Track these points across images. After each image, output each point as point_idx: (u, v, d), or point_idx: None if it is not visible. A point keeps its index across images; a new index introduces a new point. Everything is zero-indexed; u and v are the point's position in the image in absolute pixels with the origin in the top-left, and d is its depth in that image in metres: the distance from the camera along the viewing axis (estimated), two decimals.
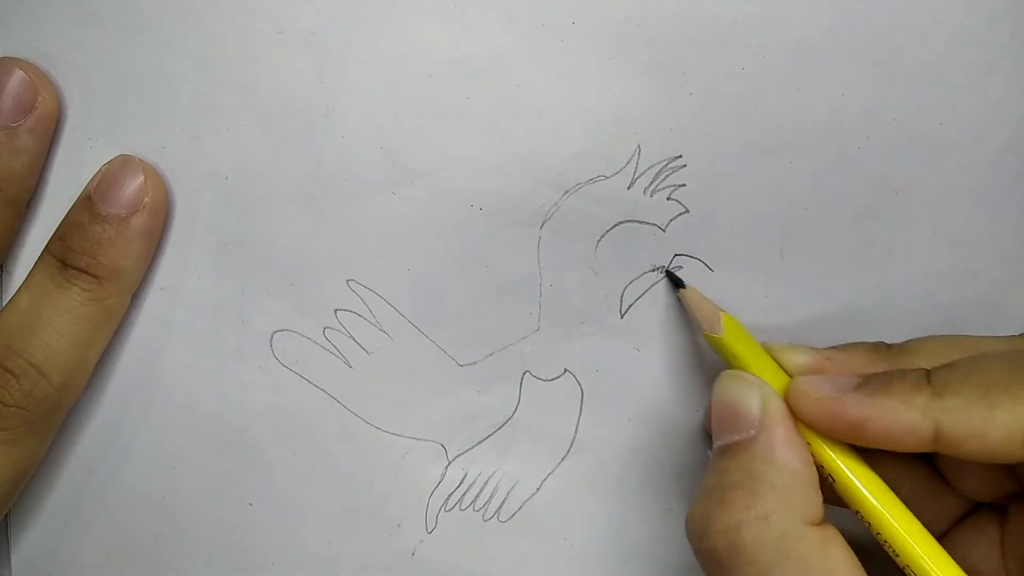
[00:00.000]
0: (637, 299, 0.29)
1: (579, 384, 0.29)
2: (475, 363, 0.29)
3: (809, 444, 0.24)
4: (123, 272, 0.26)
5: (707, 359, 0.29)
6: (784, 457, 0.23)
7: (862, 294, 0.29)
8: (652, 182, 0.28)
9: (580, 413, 0.29)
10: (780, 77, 0.27)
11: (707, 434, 0.29)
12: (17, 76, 0.26)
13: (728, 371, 0.25)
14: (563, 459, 0.30)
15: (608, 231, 0.28)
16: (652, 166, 0.28)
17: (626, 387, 0.29)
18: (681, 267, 0.28)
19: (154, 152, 0.27)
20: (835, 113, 0.27)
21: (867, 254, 0.29)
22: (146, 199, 0.26)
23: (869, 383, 0.23)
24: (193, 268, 0.28)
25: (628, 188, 0.28)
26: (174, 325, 0.28)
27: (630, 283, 0.28)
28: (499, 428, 0.29)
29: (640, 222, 0.28)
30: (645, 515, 0.30)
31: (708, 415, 0.28)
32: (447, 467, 0.30)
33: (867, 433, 0.23)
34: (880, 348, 0.26)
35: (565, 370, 0.29)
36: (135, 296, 0.28)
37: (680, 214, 0.28)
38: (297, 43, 0.26)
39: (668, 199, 0.28)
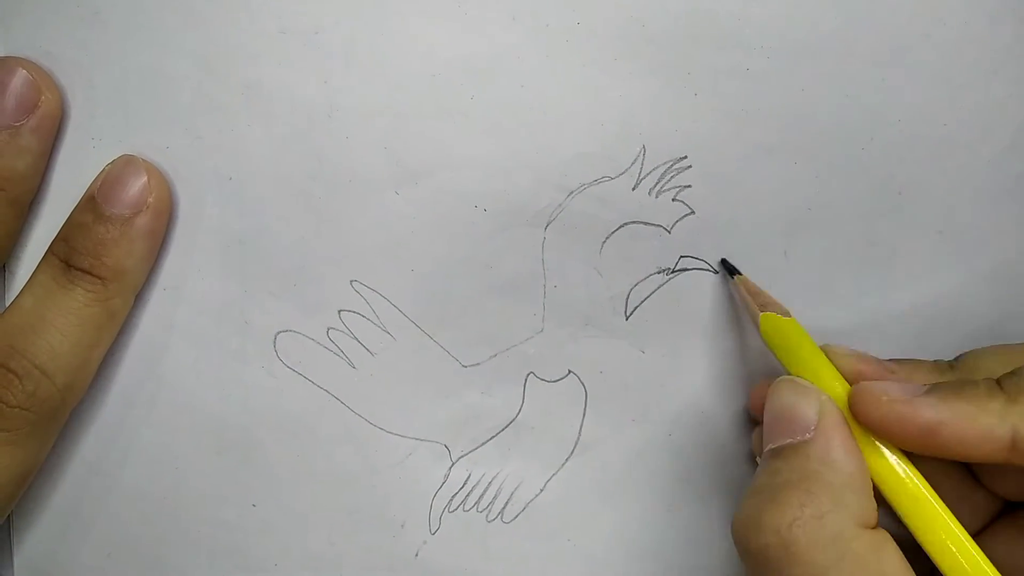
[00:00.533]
0: (643, 301, 0.28)
1: (583, 385, 0.29)
2: (479, 364, 0.29)
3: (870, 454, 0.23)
4: (127, 273, 0.26)
5: (713, 361, 0.29)
6: (841, 459, 0.22)
7: (865, 294, 0.29)
8: (657, 183, 0.28)
9: (584, 414, 0.29)
10: (784, 78, 0.27)
11: (749, 409, 0.29)
12: (20, 75, 0.26)
13: (784, 377, 0.25)
14: (567, 460, 0.30)
15: (613, 232, 0.28)
16: (657, 167, 0.27)
17: (630, 388, 0.29)
18: (687, 269, 0.28)
19: (157, 152, 0.27)
20: (839, 114, 0.27)
21: (870, 254, 0.29)
22: (150, 199, 0.26)
23: (941, 388, 0.23)
24: (196, 268, 0.28)
25: (633, 189, 0.28)
26: (177, 325, 0.28)
27: (635, 285, 0.28)
28: (503, 429, 0.29)
29: (645, 223, 0.28)
30: (649, 516, 0.30)
31: (753, 395, 0.28)
32: (451, 468, 0.29)
33: (940, 438, 0.22)
34: (940, 364, 0.26)
35: (569, 371, 0.29)
36: (138, 296, 0.28)
37: (685, 215, 0.28)
38: (300, 42, 0.26)
39: (673, 200, 0.28)
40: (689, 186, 0.28)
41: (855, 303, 0.29)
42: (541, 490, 0.30)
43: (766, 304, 0.26)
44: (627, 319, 0.29)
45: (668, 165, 0.28)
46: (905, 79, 0.27)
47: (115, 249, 0.26)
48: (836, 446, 0.23)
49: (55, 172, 0.27)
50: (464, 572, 0.30)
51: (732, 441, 0.30)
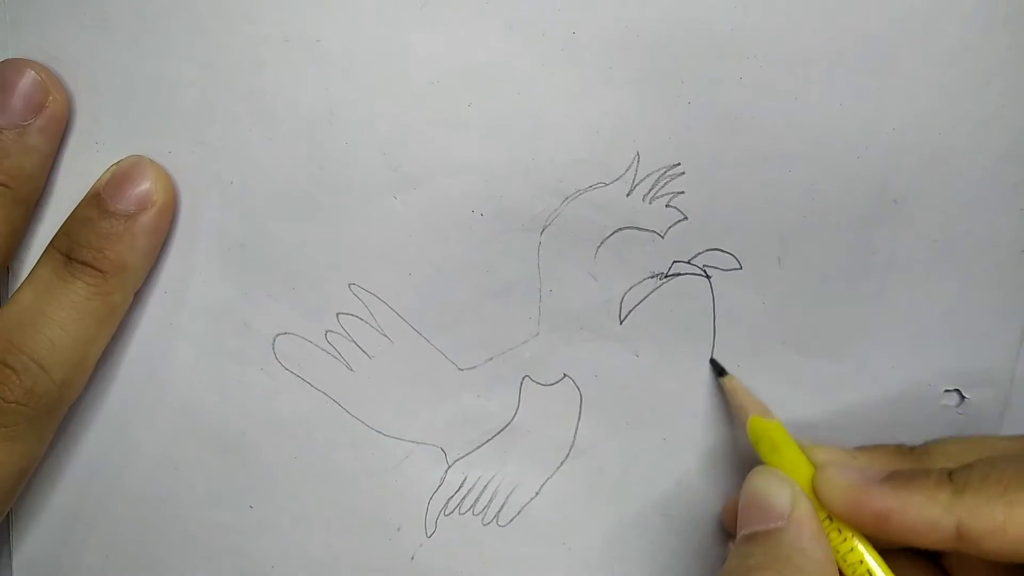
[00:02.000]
0: (636, 305, 0.29)
1: (578, 389, 0.29)
2: (475, 367, 0.29)
3: (846, 539, 0.25)
4: (128, 268, 0.26)
5: (706, 365, 0.29)
6: (811, 547, 0.23)
7: (861, 302, 0.29)
8: (651, 189, 0.28)
9: (579, 418, 0.29)
10: (778, 86, 0.27)
11: (723, 519, 0.30)
12: (29, 76, 0.26)
13: (760, 467, 0.26)
14: (562, 463, 0.30)
15: (607, 237, 0.28)
16: (651, 173, 0.28)
17: (625, 392, 0.29)
18: (680, 274, 0.29)
19: (160, 156, 0.27)
20: (833, 122, 0.28)
21: (866, 263, 0.29)
22: (155, 198, 0.27)
23: (895, 477, 0.24)
24: (197, 271, 0.28)
25: (627, 195, 0.28)
26: (177, 328, 0.28)
27: (629, 289, 0.29)
28: (499, 432, 0.30)
29: (639, 229, 0.28)
30: (643, 520, 0.30)
31: (726, 509, 0.29)
32: (447, 471, 0.30)
33: (890, 525, 0.23)
34: (902, 450, 0.27)
35: (564, 375, 0.29)
36: (138, 299, 0.28)
37: (679, 221, 0.28)
38: (302, 50, 0.27)
39: (667, 206, 0.28)
40: (682, 192, 0.28)
41: (850, 311, 0.29)
42: (536, 493, 0.30)
43: (752, 405, 0.28)
44: (621, 323, 0.29)
45: (662, 172, 0.28)
46: (899, 88, 0.28)
47: (118, 243, 0.26)
48: (807, 535, 0.24)
49: (58, 175, 0.27)
50: (460, 575, 0.30)
51: (726, 444, 0.30)
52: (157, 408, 0.29)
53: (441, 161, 0.27)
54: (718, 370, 0.29)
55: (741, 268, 0.29)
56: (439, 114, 0.27)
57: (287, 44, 0.27)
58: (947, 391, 0.30)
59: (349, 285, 0.28)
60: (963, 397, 0.30)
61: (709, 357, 0.29)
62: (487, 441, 0.30)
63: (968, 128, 0.28)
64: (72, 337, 0.26)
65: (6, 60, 0.26)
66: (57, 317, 0.26)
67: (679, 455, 0.30)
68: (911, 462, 0.26)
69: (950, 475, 0.23)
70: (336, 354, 0.29)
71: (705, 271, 0.29)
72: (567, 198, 0.28)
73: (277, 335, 0.28)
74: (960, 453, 0.26)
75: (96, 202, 0.26)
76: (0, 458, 0.26)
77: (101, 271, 0.26)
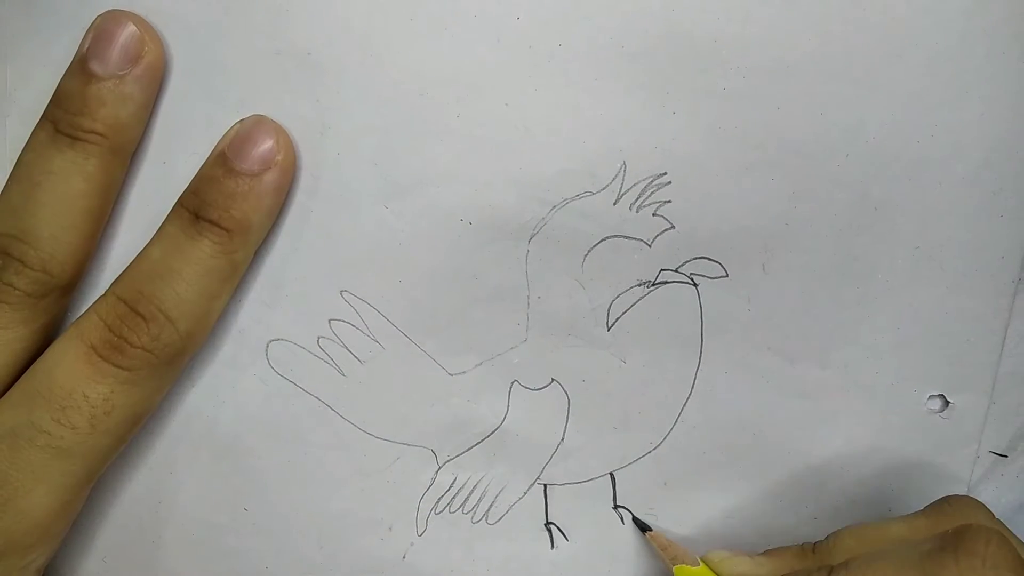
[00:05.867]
0: (624, 312, 0.29)
1: (566, 393, 0.30)
2: (465, 372, 0.30)
3: None
4: (252, 227, 0.27)
5: (691, 370, 0.30)
6: None
7: (844, 308, 0.29)
8: (638, 198, 0.28)
9: (567, 421, 0.30)
10: (760, 96, 0.28)
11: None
12: (127, 27, 0.26)
13: None
14: (549, 465, 0.30)
15: (595, 246, 0.29)
16: (638, 183, 0.28)
17: (612, 397, 0.30)
18: (667, 282, 0.29)
19: (154, 167, 0.28)
20: (815, 131, 0.28)
21: (849, 269, 0.29)
22: (278, 157, 0.27)
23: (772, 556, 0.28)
24: None
25: (614, 204, 0.28)
26: None
27: (617, 297, 0.29)
28: (488, 435, 0.30)
29: (626, 237, 0.29)
30: (629, 520, 0.31)
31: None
32: (437, 471, 0.30)
33: None
34: (805, 549, 0.28)
35: (552, 380, 0.30)
36: None
37: (665, 230, 0.29)
38: (294, 63, 0.27)
39: (654, 215, 0.28)
40: (669, 201, 0.28)
41: (835, 317, 0.29)
42: (525, 493, 0.30)
43: (678, 556, 0.29)
44: (609, 330, 0.29)
45: (648, 181, 0.28)
46: (880, 97, 0.28)
47: (243, 203, 0.26)
48: None
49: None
50: (450, 573, 0.31)
51: (711, 448, 0.30)
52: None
53: (430, 171, 0.28)
54: (641, 527, 0.30)
55: (727, 276, 0.29)
56: (428, 125, 0.27)
57: (279, 57, 0.27)
58: (931, 396, 0.30)
59: (341, 292, 0.29)
60: (947, 402, 0.30)
61: (695, 368, 0.30)
62: (477, 444, 0.30)
63: (948, 136, 0.28)
64: (197, 292, 0.26)
65: (106, 11, 0.26)
66: (184, 272, 0.26)
67: (665, 457, 0.30)
68: (815, 560, 0.27)
69: (829, 573, 0.24)
70: (328, 359, 0.29)
71: (692, 279, 0.29)
72: (554, 207, 0.28)
73: (270, 341, 0.29)
74: (855, 546, 0.26)
75: (221, 161, 0.26)
76: (119, 400, 0.26)
77: (227, 229, 0.26)
